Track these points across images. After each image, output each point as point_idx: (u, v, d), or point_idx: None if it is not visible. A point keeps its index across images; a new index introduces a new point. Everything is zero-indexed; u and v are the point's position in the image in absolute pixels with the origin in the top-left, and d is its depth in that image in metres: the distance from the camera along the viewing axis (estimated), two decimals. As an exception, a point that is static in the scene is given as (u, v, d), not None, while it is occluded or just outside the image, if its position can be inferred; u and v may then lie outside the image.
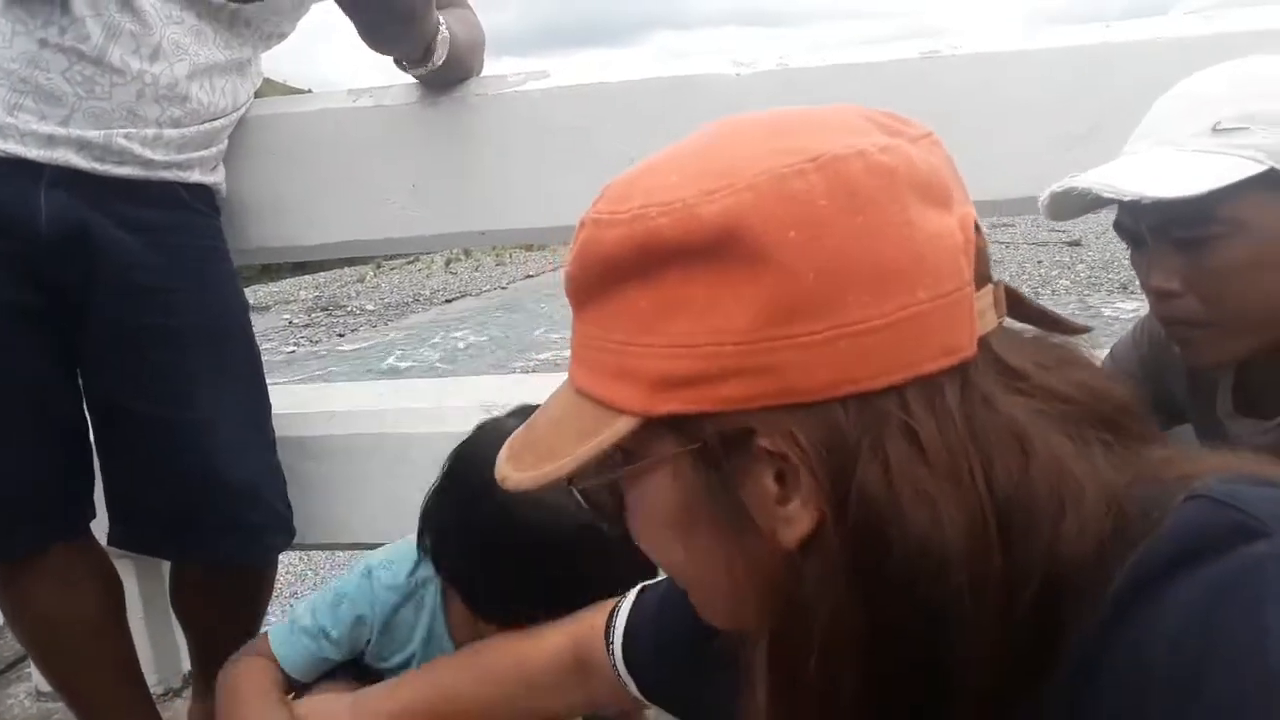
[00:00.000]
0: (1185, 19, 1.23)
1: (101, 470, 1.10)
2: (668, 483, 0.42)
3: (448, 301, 16.88)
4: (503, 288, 18.36)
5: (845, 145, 0.38)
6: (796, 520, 0.39)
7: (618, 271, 0.40)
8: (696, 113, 1.20)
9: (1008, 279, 0.44)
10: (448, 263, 20.31)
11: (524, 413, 0.92)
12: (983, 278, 0.40)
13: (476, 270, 20.18)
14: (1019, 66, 1.16)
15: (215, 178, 1.13)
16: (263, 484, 1.12)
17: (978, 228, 0.41)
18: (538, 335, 13.01)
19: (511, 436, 0.47)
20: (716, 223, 0.37)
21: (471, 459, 0.87)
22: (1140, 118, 0.82)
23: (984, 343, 0.39)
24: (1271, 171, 0.69)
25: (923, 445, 0.37)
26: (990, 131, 1.14)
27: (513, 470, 0.45)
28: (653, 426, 0.40)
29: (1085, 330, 0.45)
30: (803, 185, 0.37)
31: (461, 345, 12.80)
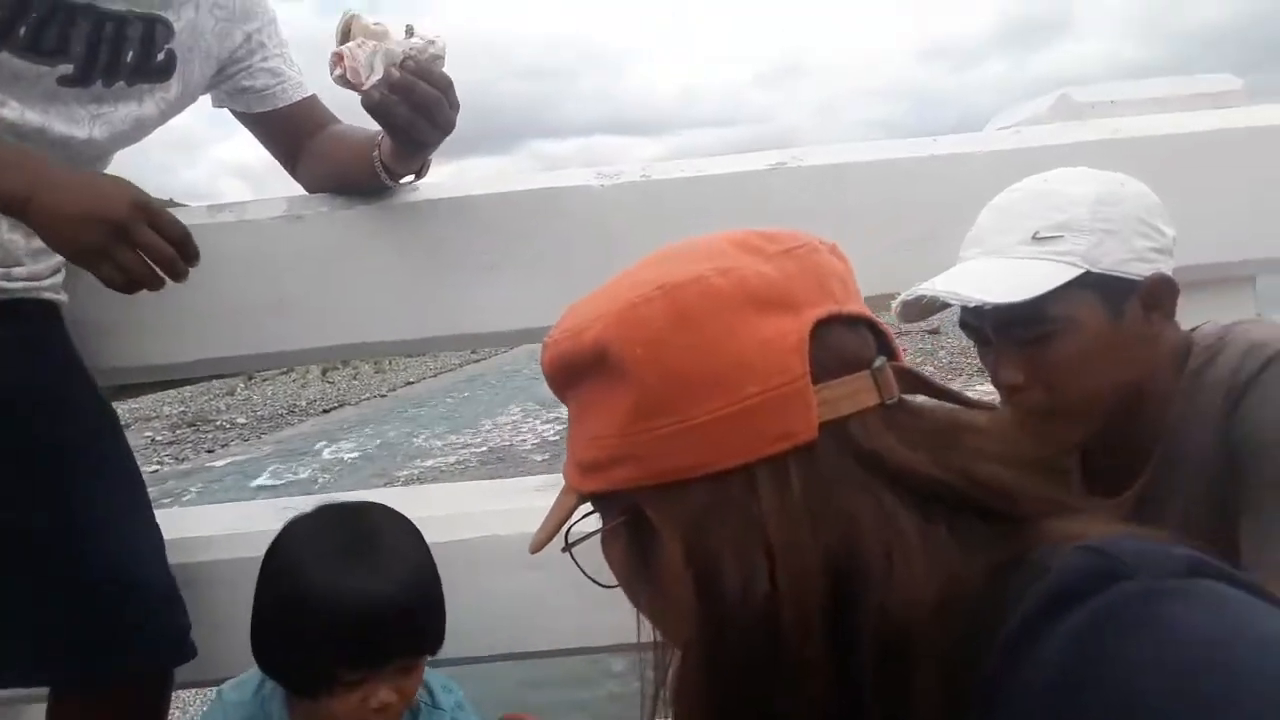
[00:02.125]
0: (998, 134, 1.37)
1: None
2: (615, 547, 0.51)
3: (325, 412, 16.31)
4: (382, 395, 17.91)
5: (688, 273, 0.47)
6: (685, 582, 0.46)
7: (560, 383, 0.52)
8: (563, 222, 1.25)
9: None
10: (324, 371, 19.72)
11: (325, 512, 0.99)
12: (847, 365, 0.46)
13: (355, 378, 19.66)
14: (858, 177, 1.26)
15: (63, 295, 1.09)
16: (170, 583, 1.07)
17: (862, 319, 0.49)
18: (420, 443, 12.69)
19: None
20: (592, 345, 0.48)
21: (271, 551, 0.97)
22: (967, 221, 0.91)
23: (839, 426, 0.45)
24: (1086, 274, 0.79)
25: (762, 515, 0.44)
26: (836, 237, 1.22)
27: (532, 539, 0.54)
28: (597, 502, 0.51)
29: (988, 407, 0.51)
30: (647, 310, 0.46)
31: (341, 457, 12.33)
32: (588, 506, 0.53)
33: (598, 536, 0.52)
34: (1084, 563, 0.41)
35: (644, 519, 0.47)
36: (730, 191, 1.26)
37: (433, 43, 1.03)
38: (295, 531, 0.97)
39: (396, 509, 1.04)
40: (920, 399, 0.49)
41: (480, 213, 1.25)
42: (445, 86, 1.04)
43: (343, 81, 1.03)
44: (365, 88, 1.01)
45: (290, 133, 1.25)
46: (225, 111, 1.25)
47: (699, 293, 0.46)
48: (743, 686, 0.44)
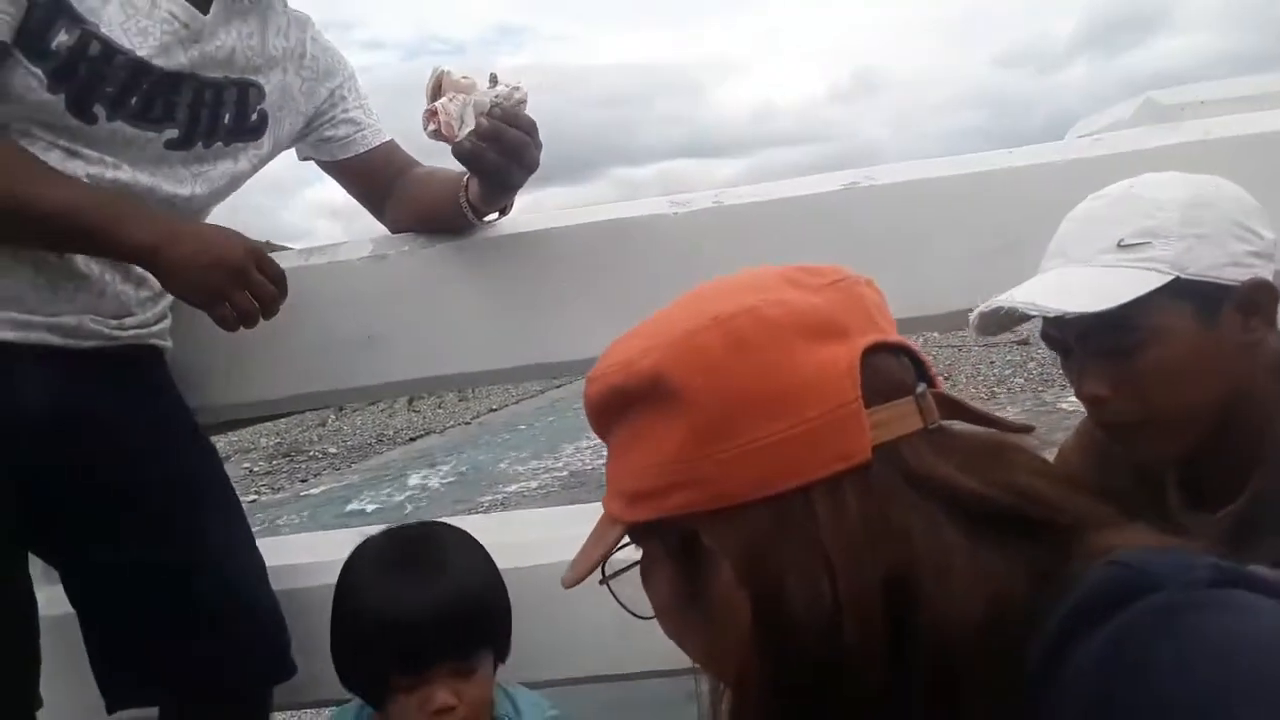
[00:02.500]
0: (1078, 142, 1.34)
1: (96, 636, 1.10)
2: (660, 577, 0.52)
3: (411, 440, 16.72)
4: (466, 423, 18.27)
5: (739, 304, 0.49)
6: (742, 606, 0.47)
7: (605, 415, 0.53)
8: (639, 251, 1.27)
9: (963, 380, 0.50)
10: (410, 401, 20.23)
11: (388, 534, 1.07)
12: (899, 392, 0.49)
13: (440, 407, 20.12)
14: (932, 193, 1.25)
15: (168, 341, 1.17)
16: (275, 605, 1.15)
17: (903, 348, 0.51)
18: (503, 468, 12.88)
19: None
20: (646, 375, 0.49)
21: (341, 572, 1.04)
22: (1047, 233, 0.89)
23: (890, 448, 0.47)
24: (1176, 280, 0.76)
25: (821, 536, 0.45)
26: (913, 254, 1.21)
27: (567, 571, 0.56)
28: (640, 533, 0.52)
29: (1027, 429, 0.53)
30: (705, 340, 0.48)
31: (427, 484, 12.61)
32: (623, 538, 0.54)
33: (633, 569, 0.54)
34: (1110, 577, 0.42)
35: (695, 545, 0.49)
36: (804, 213, 1.26)
37: (517, 89, 1.08)
38: (359, 552, 1.05)
39: (482, 536, 1.07)
40: (959, 424, 0.51)
41: (557, 245, 1.28)
42: (530, 129, 1.09)
43: (437, 136, 1.09)
44: (458, 139, 1.07)
45: (372, 177, 1.32)
46: (313, 155, 1.32)
47: (753, 321, 0.48)
48: (804, 707, 0.46)
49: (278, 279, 1.03)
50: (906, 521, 0.45)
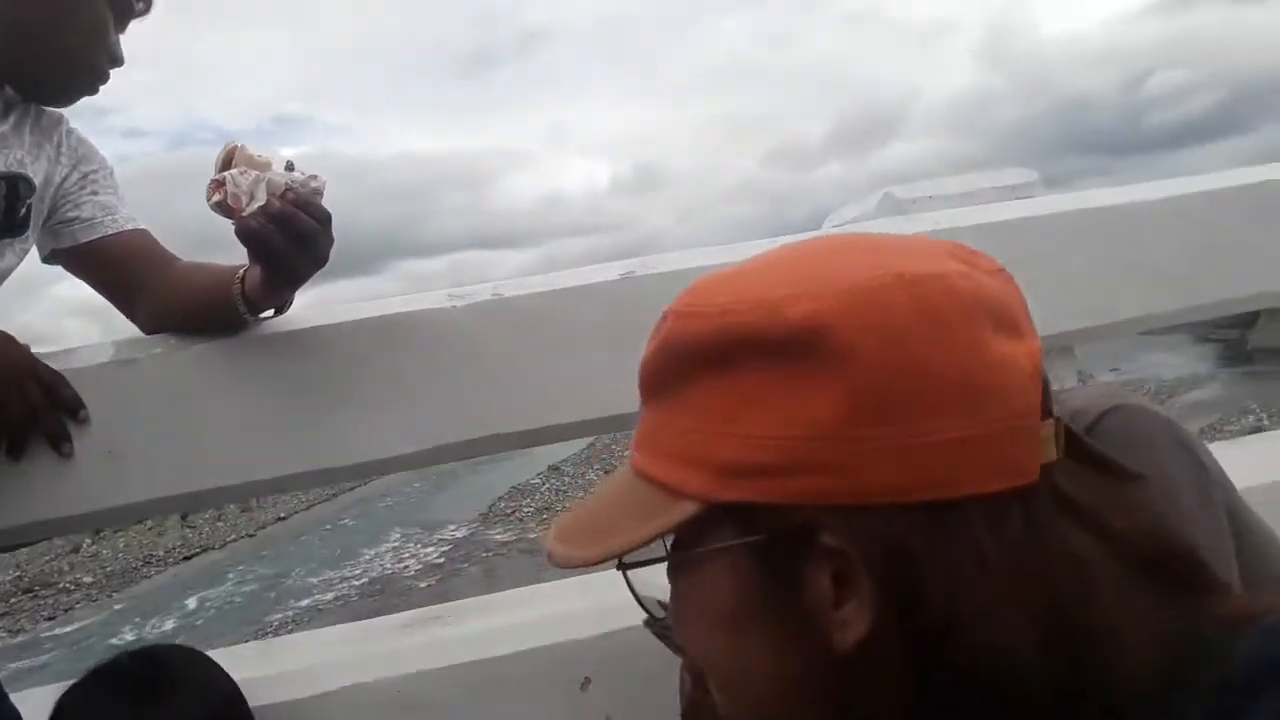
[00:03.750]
0: (833, 230, 1.46)
1: None
2: (724, 573, 0.43)
3: (186, 559, 15.16)
4: (251, 534, 16.84)
5: (926, 267, 0.41)
6: (851, 624, 0.40)
7: (697, 361, 0.42)
8: (417, 346, 1.23)
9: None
10: (184, 516, 18.41)
11: (140, 655, 0.92)
12: (1046, 410, 0.42)
13: (219, 520, 18.44)
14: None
15: None
16: None
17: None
18: (294, 581, 11.93)
19: (559, 518, 0.49)
20: (802, 324, 0.39)
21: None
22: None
23: (1046, 471, 0.41)
24: None
25: (986, 561, 0.38)
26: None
27: (562, 548, 0.46)
28: (714, 515, 0.42)
29: (1139, 477, 0.47)
30: (887, 298, 0.40)
31: (205, 608, 11.42)
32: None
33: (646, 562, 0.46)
34: (1267, 651, 0.38)
35: (800, 544, 0.40)
36: (583, 302, 1.27)
37: (314, 177, 1.03)
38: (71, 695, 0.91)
39: (250, 670, 0.96)
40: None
41: (331, 343, 1.22)
42: (325, 220, 1.03)
43: (220, 208, 1.00)
44: (244, 214, 0.99)
45: (121, 268, 1.20)
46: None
47: (944, 290, 0.40)
48: None
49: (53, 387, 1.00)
50: (1062, 552, 0.40)
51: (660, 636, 0.93)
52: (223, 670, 0.95)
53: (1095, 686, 0.39)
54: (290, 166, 1.03)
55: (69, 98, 1.14)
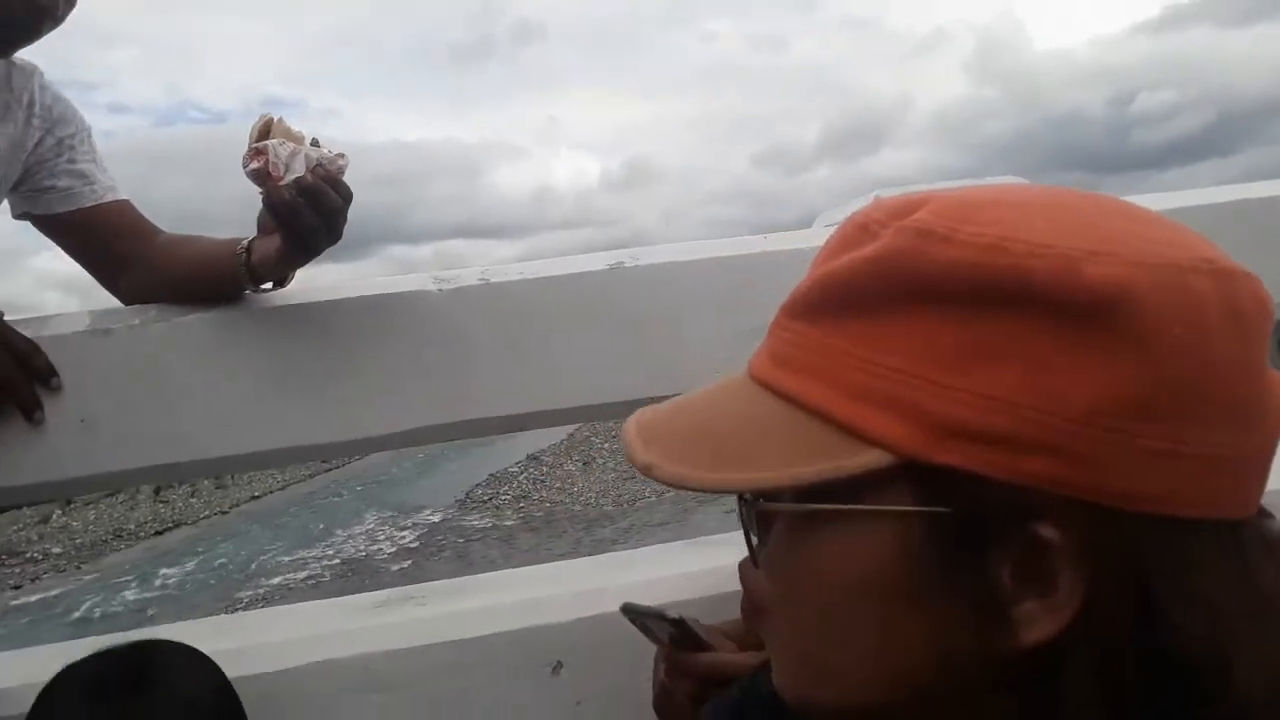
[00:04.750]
0: (823, 230, 1.47)
1: None
2: (886, 538, 0.38)
3: (158, 534, 15.03)
4: (224, 512, 16.72)
5: (1232, 262, 0.36)
6: (1036, 623, 0.36)
7: (933, 293, 0.36)
8: (401, 328, 1.23)
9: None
10: (157, 491, 18.25)
11: (105, 656, 0.90)
12: None
13: (193, 496, 18.29)
14: (693, 274, 1.31)
15: None
16: None
17: None
18: (266, 560, 11.87)
19: (646, 420, 0.43)
20: (1099, 288, 0.34)
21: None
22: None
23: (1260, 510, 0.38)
24: None
25: (1228, 590, 0.35)
26: (674, 332, 1.26)
27: (675, 465, 0.40)
28: (898, 471, 0.37)
29: None
30: (1199, 286, 0.35)
31: (175, 583, 11.34)
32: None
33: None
34: None
35: (996, 525, 0.36)
36: (570, 292, 1.27)
37: (341, 155, 1.07)
38: (55, 683, 0.90)
39: (221, 642, 0.96)
40: None
41: (314, 320, 1.21)
42: (349, 198, 1.06)
43: (257, 176, 1.03)
44: (282, 184, 1.02)
45: (101, 239, 1.19)
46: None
47: (1253, 293, 0.36)
48: None
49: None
50: (1265, 589, 0.37)
51: (644, 630, 0.94)
52: (212, 663, 0.94)
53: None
54: (316, 143, 1.06)
55: (16, 41, 1.07)
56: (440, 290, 1.24)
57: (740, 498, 0.43)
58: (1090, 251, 0.35)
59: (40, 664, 1.14)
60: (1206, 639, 0.35)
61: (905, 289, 0.37)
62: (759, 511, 0.42)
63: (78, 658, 0.96)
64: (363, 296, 1.23)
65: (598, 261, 1.31)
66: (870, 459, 0.37)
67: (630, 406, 1.26)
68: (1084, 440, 0.34)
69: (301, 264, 1.15)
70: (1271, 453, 0.38)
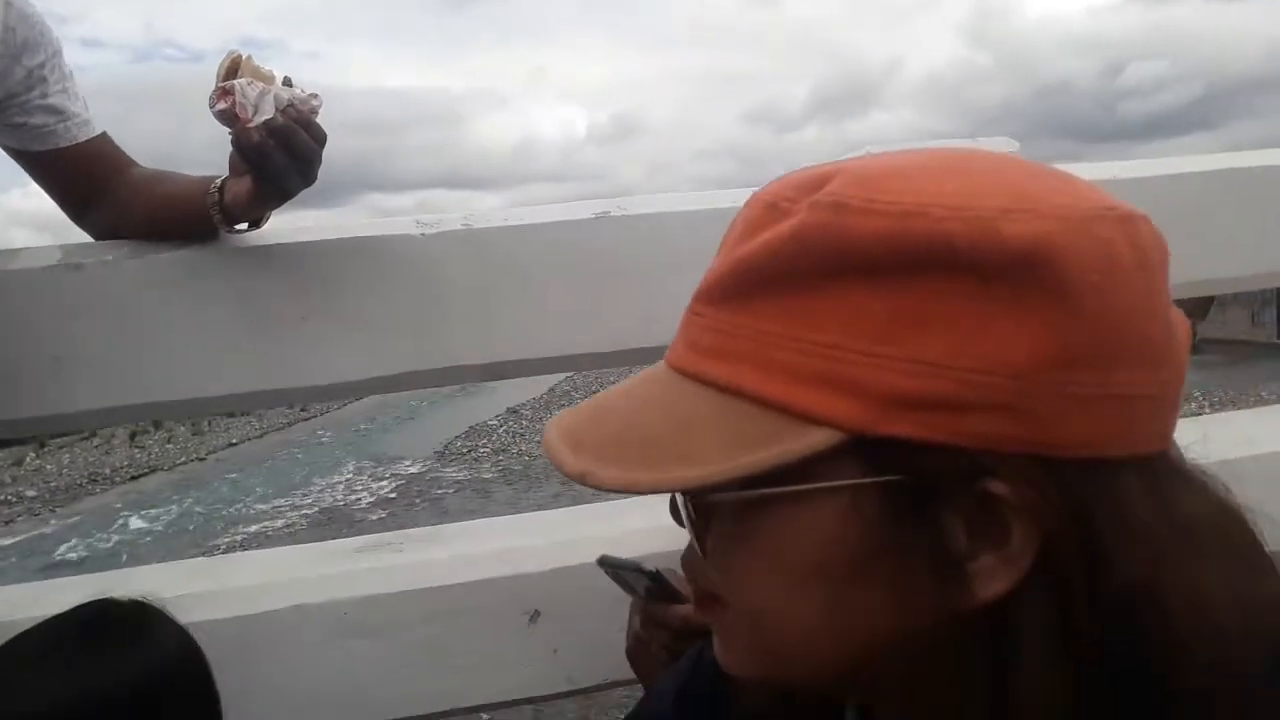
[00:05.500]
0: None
1: None
2: (838, 513, 0.38)
3: (133, 479, 14.96)
4: (200, 458, 16.65)
5: (1129, 207, 0.38)
6: (993, 577, 0.36)
7: (857, 266, 0.36)
8: (382, 271, 1.20)
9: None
10: (133, 435, 18.13)
11: (65, 617, 0.86)
12: None
13: (169, 441, 18.19)
14: (681, 225, 1.29)
15: None
16: None
17: None
18: (242, 507, 11.87)
19: (567, 425, 0.42)
20: (1020, 246, 0.35)
21: None
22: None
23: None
24: None
25: (1172, 521, 0.37)
26: (661, 283, 1.24)
27: (609, 470, 0.38)
28: (845, 447, 0.37)
29: None
30: (1107, 233, 0.36)
31: (150, 527, 11.33)
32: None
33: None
34: None
35: (946, 487, 0.36)
36: (555, 240, 1.25)
37: (314, 96, 1.03)
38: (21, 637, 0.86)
39: (196, 584, 0.95)
40: None
41: (291, 262, 1.19)
42: (322, 140, 1.03)
43: (224, 116, 1.00)
44: (250, 125, 0.99)
45: (76, 176, 1.15)
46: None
47: (1152, 235, 0.38)
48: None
49: None
50: (1213, 521, 0.38)
51: (620, 582, 0.94)
52: (181, 628, 0.91)
53: (1231, 660, 0.36)
54: (288, 83, 1.03)
55: None
56: (422, 235, 1.21)
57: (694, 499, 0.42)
58: (1004, 210, 0.35)
59: (12, 603, 1.13)
60: (1149, 572, 0.36)
61: (827, 264, 0.37)
62: (703, 504, 0.41)
63: (49, 598, 0.96)
64: (342, 239, 1.20)
65: (583, 210, 1.29)
66: (816, 440, 0.37)
67: (611, 358, 1.27)
68: (1021, 395, 0.35)
69: (274, 207, 1.12)
70: (1180, 386, 0.39)
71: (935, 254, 0.35)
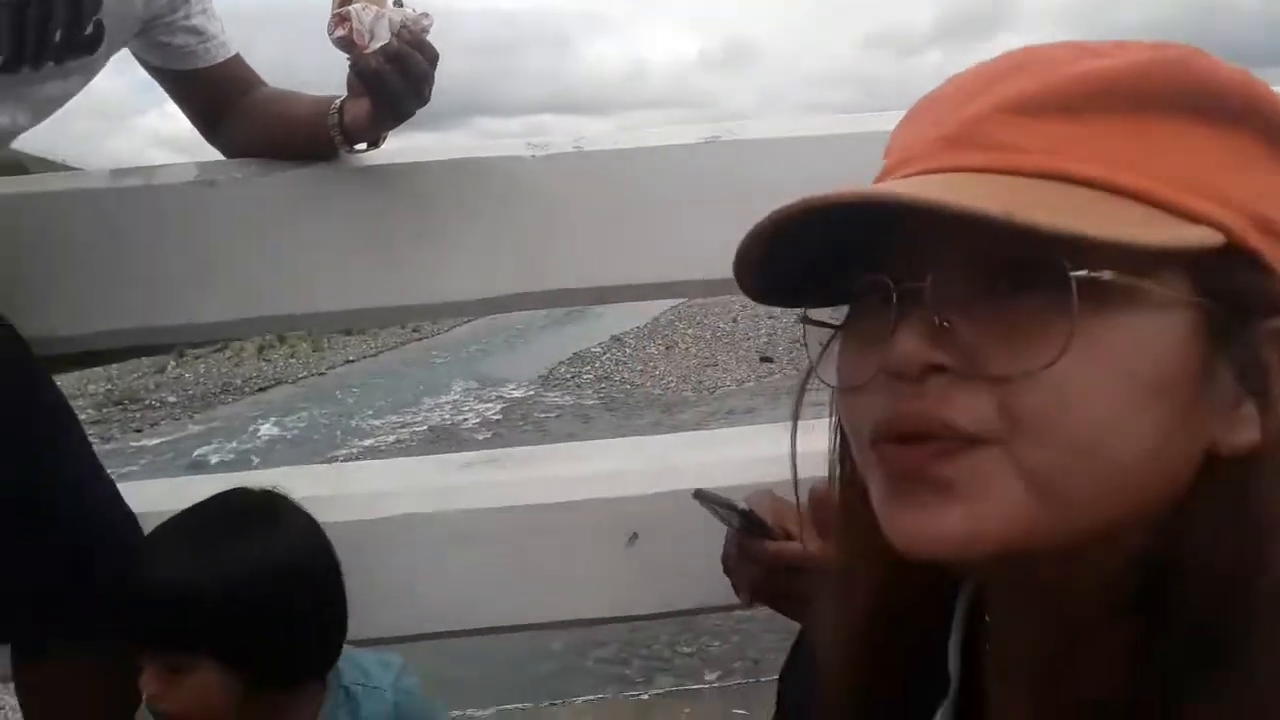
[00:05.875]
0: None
1: None
2: (1170, 327, 0.36)
3: (261, 390, 15.93)
4: (321, 374, 17.55)
5: None
6: (1245, 425, 0.36)
7: (1204, 105, 0.38)
8: (493, 193, 1.22)
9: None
10: (260, 349, 19.22)
11: (206, 505, 0.97)
12: None
13: (292, 357, 19.22)
14: (794, 152, 1.25)
15: None
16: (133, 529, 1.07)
17: None
18: (359, 422, 12.49)
19: (914, 192, 0.36)
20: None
21: None
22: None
23: None
24: None
25: None
26: (769, 210, 1.22)
27: (1036, 213, 0.33)
28: (1216, 257, 0.36)
29: None
30: None
31: (278, 436, 12.09)
32: None
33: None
34: None
35: (1259, 318, 0.36)
36: (665, 164, 1.24)
37: (425, 15, 1.05)
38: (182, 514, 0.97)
39: (319, 488, 1.01)
40: None
41: (407, 181, 1.21)
42: (435, 60, 1.06)
43: (343, 43, 1.03)
44: (367, 51, 1.02)
45: (212, 95, 1.20)
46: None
47: None
48: None
49: None
50: None
51: (715, 514, 0.95)
52: (310, 517, 0.99)
53: None
54: (399, 2, 1.04)
55: None
56: (534, 156, 1.22)
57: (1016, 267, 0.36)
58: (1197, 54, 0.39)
59: (157, 496, 1.23)
60: None
61: (1181, 98, 0.38)
62: (1084, 282, 0.35)
63: (189, 492, 1.04)
64: (456, 159, 1.22)
65: (694, 134, 1.27)
66: (1203, 234, 0.36)
67: (719, 285, 1.25)
68: None
69: (391, 128, 1.14)
70: None
71: (1268, 112, 0.39)
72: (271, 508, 0.97)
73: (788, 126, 1.30)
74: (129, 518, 1.06)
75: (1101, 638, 0.39)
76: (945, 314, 0.37)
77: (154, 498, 1.23)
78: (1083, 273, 0.35)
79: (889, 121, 1.40)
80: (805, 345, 0.46)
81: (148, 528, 1.10)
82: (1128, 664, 0.37)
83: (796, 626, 0.91)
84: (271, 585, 0.90)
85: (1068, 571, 0.39)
